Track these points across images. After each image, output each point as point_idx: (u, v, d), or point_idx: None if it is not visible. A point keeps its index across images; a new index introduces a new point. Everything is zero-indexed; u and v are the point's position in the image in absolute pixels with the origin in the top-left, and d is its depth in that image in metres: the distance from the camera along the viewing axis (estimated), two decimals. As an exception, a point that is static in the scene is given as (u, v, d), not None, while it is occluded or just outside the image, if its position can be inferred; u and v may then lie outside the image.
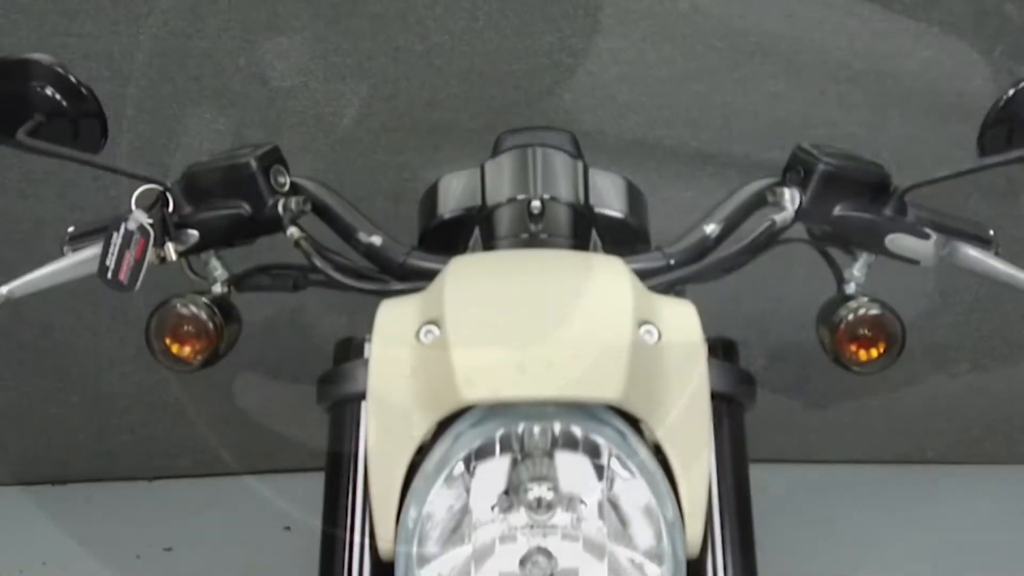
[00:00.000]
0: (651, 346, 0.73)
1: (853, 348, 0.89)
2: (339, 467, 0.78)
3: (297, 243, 0.91)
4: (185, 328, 0.90)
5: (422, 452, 0.73)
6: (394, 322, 0.76)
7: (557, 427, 0.70)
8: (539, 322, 0.72)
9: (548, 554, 0.69)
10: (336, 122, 2.18)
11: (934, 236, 0.90)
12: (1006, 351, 2.39)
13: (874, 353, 0.88)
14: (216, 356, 0.91)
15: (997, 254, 0.93)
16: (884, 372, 2.53)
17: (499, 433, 0.70)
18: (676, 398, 0.73)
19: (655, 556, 0.69)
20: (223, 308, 0.93)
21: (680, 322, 0.76)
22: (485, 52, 2.17)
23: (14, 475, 2.36)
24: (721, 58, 2.21)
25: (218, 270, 0.94)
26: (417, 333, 0.74)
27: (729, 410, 0.80)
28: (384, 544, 0.72)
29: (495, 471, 0.70)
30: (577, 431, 0.70)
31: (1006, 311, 2.37)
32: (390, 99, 2.20)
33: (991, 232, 0.92)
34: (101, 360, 2.30)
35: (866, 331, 0.88)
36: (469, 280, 0.79)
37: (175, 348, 0.90)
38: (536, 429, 0.70)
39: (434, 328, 0.73)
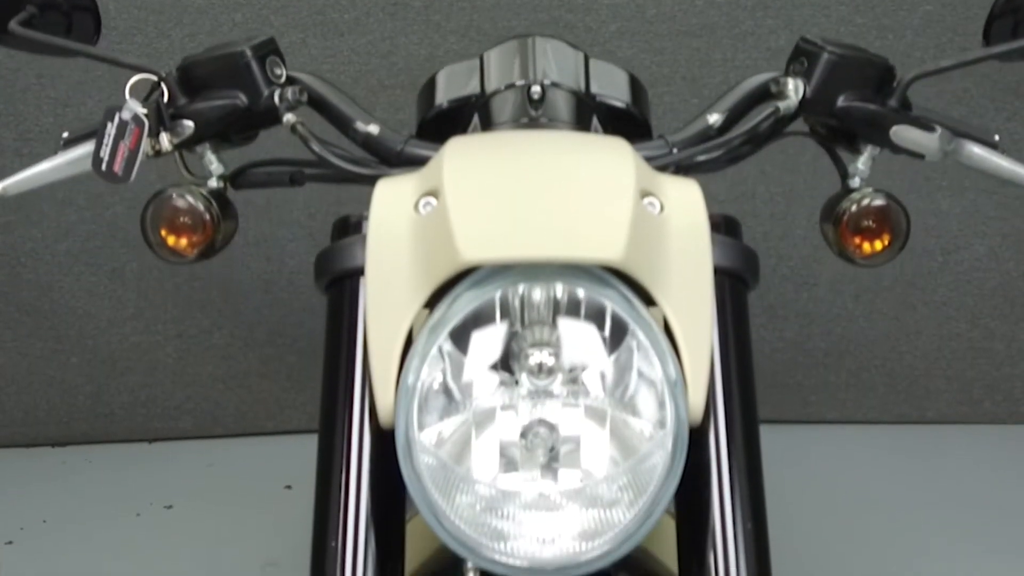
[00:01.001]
0: (654, 216, 0.72)
1: (857, 241, 0.87)
2: (338, 342, 0.78)
3: (294, 128, 0.89)
4: (181, 219, 0.88)
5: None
6: (391, 196, 0.75)
7: (559, 288, 0.69)
8: (540, 188, 0.71)
9: (549, 426, 0.69)
10: (333, 79, 2.16)
11: (939, 129, 0.89)
12: (1007, 310, 2.38)
13: (878, 245, 0.87)
14: (212, 249, 0.89)
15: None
16: (885, 332, 2.53)
17: (498, 294, 0.68)
18: (679, 269, 0.72)
19: (657, 421, 0.68)
20: (220, 202, 0.91)
21: (683, 197, 0.75)
22: (484, 8, 2.16)
23: (14, 436, 2.37)
24: (721, 13, 2.20)
25: (213, 164, 0.92)
26: (415, 205, 0.73)
27: (732, 286, 0.79)
28: (384, 413, 0.71)
29: (494, 337, 0.69)
30: (580, 292, 0.69)
31: (1007, 270, 2.36)
32: (388, 55, 2.19)
33: (996, 137, 0.91)
34: (99, 321, 2.30)
35: (870, 223, 0.86)
36: (469, 154, 0.77)
37: (171, 240, 0.88)
38: (537, 290, 0.69)
39: (432, 199, 0.72)
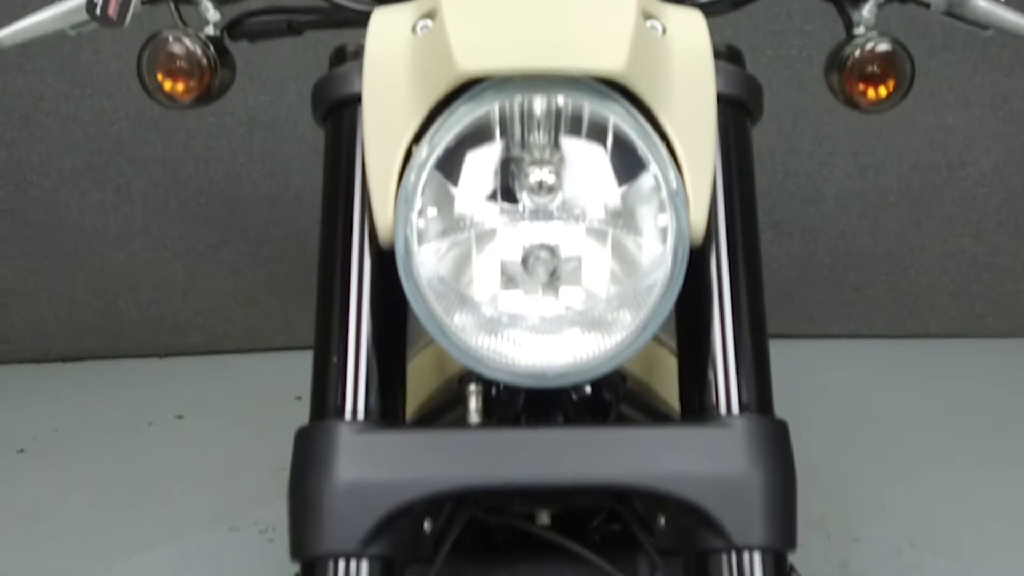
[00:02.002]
0: (656, 36, 0.71)
1: (861, 87, 0.86)
2: (336, 169, 0.77)
3: None
4: (178, 64, 0.86)
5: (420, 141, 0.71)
6: (388, 23, 0.74)
7: (560, 100, 0.68)
8: (541, 3, 0.69)
9: (550, 249, 0.69)
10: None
11: None
12: (1012, 225, 2.38)
13: (883, 91, 0.86)
14: (208, 96, 0.88)
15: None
16: (890, 247, 2.53)
17: (496, 107, 0.67)
18: (682, 92, 0.71)
19: (659, 238, 0.69)
20: (217, 49, 0.89)
21: (686, 23, 0.74)
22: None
23: (24, 352, 2.40)
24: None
25: (210, 11, 0.89)
26: (413, 28, 0.72)
27: (735, 115, 0.79)
28: (383, 231, 0.71)
29: (493, 154, 0.68)
30: (581, 106, 0.68)
31: (1013, 185, 2.36)
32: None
33: None
34: (107, 238, 2.31)
35: (875, 68, 0.85)
36: None
37: (167, 85, 0.87)
38: (538, 102, 0.68)
39: (429, 21, 0.71)
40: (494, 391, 0.84)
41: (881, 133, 2.31)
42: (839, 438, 2.08)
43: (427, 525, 0.72)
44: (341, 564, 0.67)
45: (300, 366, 2.17)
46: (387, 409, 0.73)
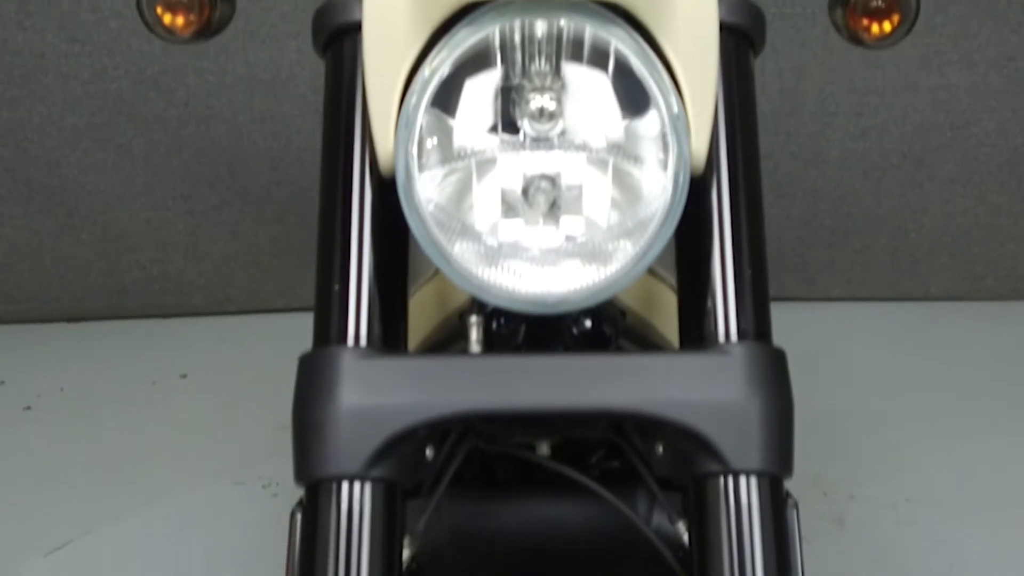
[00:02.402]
0: None
1: (865, 23, 0.86)
2: (337, 98, 0.78)
3: None
4: None
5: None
6: None
7: (562, 23, 0.68)
8: None
9: (551, 179, 0.70)
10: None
11: None
12: (1014, 186, 2.38)
13: (887, 27, 0.86)
14: (208, 30, 0.87)
15: None
16: (892, 209, 2.53)
17: (496, 29, 0.68)
18: (684, 19, 0.71)
19: (660, 168, 0.69)
20: None
21: None
22: None
23: (29, 312, 2.41)
24: None
25: None
26: None
27: (738, 44, 0.79)
28: (384, 159, 0.72)
29: (493, 80, 0.69)
30: (584, 29, 0.68)
31: (1016, 145, 2.35)
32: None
33: None
34: (109, 198, 2.31)
35: (879, 2, 0.86)
36: None
37: (167, 18, 0.86)
38: (539, 26, 0.68)
39: None
40: (495, 325, 0.86)
41: (884, 92, 2.30)
42: (837, 399, 2.10)
43: (429, 452, 0.74)
44: (345, 486, 0.69)
45: (303, 327, 2.19)
46: (389, 337, 0.74)
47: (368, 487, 0.69)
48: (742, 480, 0.70)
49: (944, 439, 1.98)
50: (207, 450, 1.93)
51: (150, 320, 2.42)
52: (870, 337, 2.36)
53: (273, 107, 2.27)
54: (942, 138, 2.34)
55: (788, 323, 2.68)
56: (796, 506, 0.74)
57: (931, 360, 2.25)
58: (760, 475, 0.70)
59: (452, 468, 0.80)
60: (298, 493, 1.75)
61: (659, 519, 0.85)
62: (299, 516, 0.73)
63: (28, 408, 2.10)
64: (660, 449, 0.75)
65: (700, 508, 0.71)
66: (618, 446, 0.87)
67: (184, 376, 2.20)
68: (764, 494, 0.70)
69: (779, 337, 2.39)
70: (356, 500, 0.69)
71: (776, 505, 0.71)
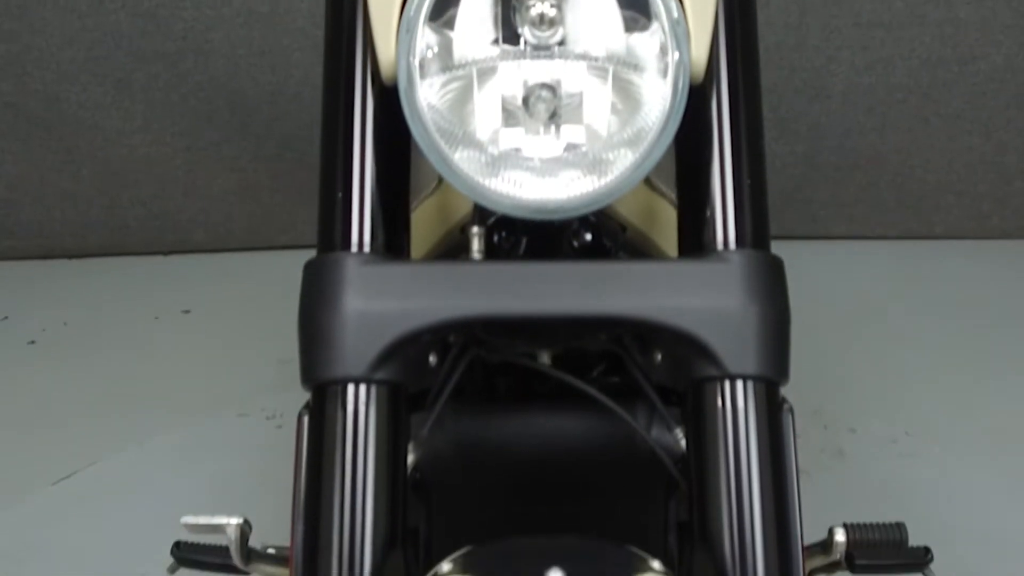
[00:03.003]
0: None
1: None
2: (339, 5, 0.77)
3: None
4: None
5: None
6: None
7: None
8: None
9: (551, 89, 0.70)
10: None
11: None
12: (1022, 123, 2.36)
13: None
14: None
15: None
16: (897, 145, 2.50)
17: None
18: None
19: (660, 75, 0.69)
20: None
21: None
22: None
23: (31, 249, 2.42)
24: None
25: None
26: None
27: None
28: (385, 65, 0.72)
29: None
30: None
31: (1023, 81, 2.34)
32: None
33: None
34: (108, 133, 2.31)
35: None
36: None
37: None
38: None
39: None
40: (496, 239, 0.86)
41: (891, 26, 2.28)
42: (839, 336, 2.11)
43: (432, 359, 0.75)
44: (350, 388, 0.70)
45: (303, 263, 2.21)
46: (392, 244, 0.75)
47: (373, 389, 0.70)
48: (739, 384, 0.70)
49: (945, 375, 2.00)
50: (210, 383, 1.95)
51: (152, 257, 2.43)
52: (873, 276, 2.37)
53: (272, 41, 2.26)
54: (949, 73, 2.32)
55: (791, 261, 2.69)
56: (791, 411, 0.75)
57: (934, 299, 2.25)
58: (756, 379, 0.70)
59: (454, 378, 0.81)
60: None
61: (658, 432, 0.86)
62: (306, 419, 0.74)
63: (32, 343, 2.12)
64: (659, 357, 0.76)
65: (697, 412, 0.72)
66: (618, 361, 0.88)
67: (187, 312, 2.21)
68: (760, 398, 0.70)
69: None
70: (362, 402, 0.70)
71: (772, 409, 0.71)
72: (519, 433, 0.89)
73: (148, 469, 1.73)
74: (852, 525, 0.84)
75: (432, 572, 0.66)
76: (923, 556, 0.93)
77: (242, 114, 2.33)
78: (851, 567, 0.89)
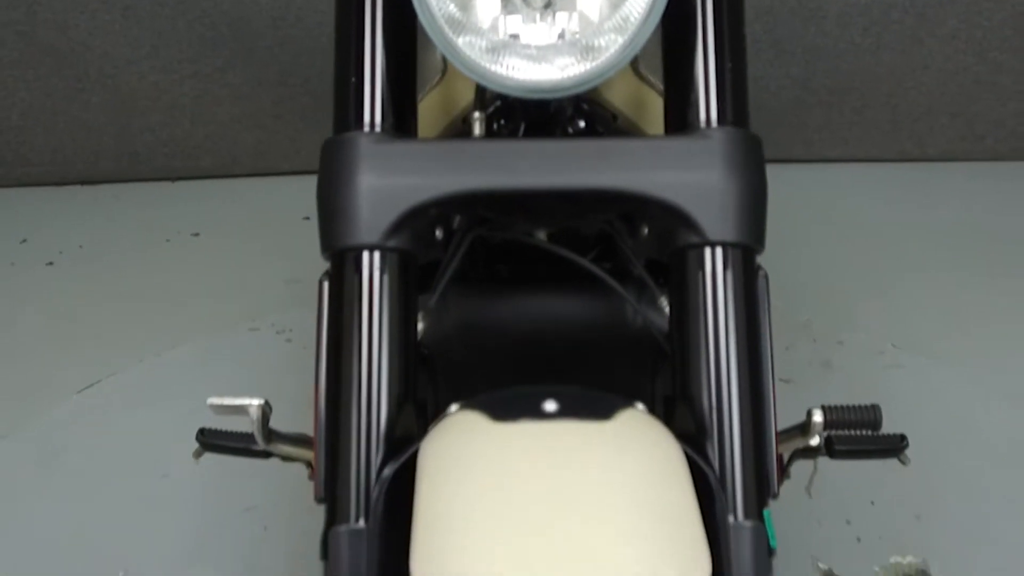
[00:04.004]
0: None
1: None
2: None
3: None
4: None
5: None
6: None
7: None
8: None
9: None
10: None
11: None
12: (1016, 43, 2.37)
13: None
14: None
15: None
16: (891, 66, 2.53)
17: None
18: None
19: None
20: None
21: None
22: None
23: (44, 175, 2.49)
24: None
25: None
26: None
27: None
28: None
29: None
30: None
31: (1019, 0, 2.35)
32: None
33: None
34: (117, 60, 2.36)
35: None
36: None
37: None
38: None
39: None
40: (495, 126, 0.93)
41: (887, -56, 2.30)
42: (833, 255, 2.17)
43: (438, 233, 0.83)
44: (365, 254, 0.78)
45: (308, 189, 2.27)
46: (400, 125, 0.81)
47: (386, 255, 0.77)
48: (718, 250, 0.77)
49: (934, 291, 2.06)
50: (222, 301, 2.04)
51: (161, 183, 2.49)
52: (867, 198, 2.41)
53: (274, -33, 2.29)
54: (942, -7, 2.34)
55: (785, 185, 2.75)
56: (767, 278, 0.81)
57: (927, 220, 2.30)
58: (734, 246, 0.77)
59: (458, 255, 0.88)
60: (308, 337, 1.87)
61: (645, 309, 0.94)
62: (326, 284, 0.82)
63: (50, 264, 2.21)
64: (646, 231, 0.84)
65: (680, 278, 0.78)
66: (609, 245, 0.95)
67: (196, 235, 2.29)
68: (737, 263, 0.77)
69: (777, 200, 2.46)
70: (376, 267, 0.77)
71: (748, 274, 0.78)
72: (518, 313, 0.98)
73: (165, 378, 1.83)
74: (829, 407, 0.91)
75: (442, 415, 0.74)
76: (899, 442, 1.00)
77: (245, 40, 2.37)
78: (831, 453, 0.97)
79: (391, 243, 0.77)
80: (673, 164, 0.77)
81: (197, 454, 1.11)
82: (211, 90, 2.42)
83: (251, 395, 0.96)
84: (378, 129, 0.79)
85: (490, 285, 1.03)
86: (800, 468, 1.62)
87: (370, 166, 0.77)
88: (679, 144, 0.78)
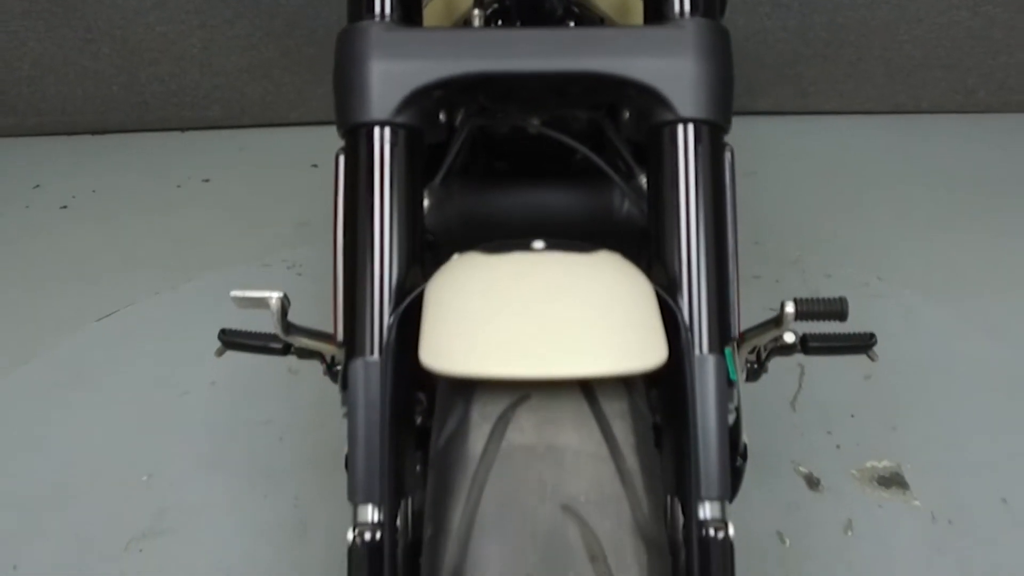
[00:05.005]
0: None
1: None
2: None
3: None
4: None
5: None
6: None
7: None
8: None
9: None
10: None
11: None
12: (1009, -4, 2.49)
13: None
14: None
15: None
16: (887, 19, 2.65)
17: None
18: None
19: None
20: None
21: None
22: None
23: (55, 125, 2.62)
24: None
25: None
26: None
27: None
28: None
29: None
30: None
31: (1010, -46, 2.48)
32: None
33: None
34: (125, 11, 2.48)
35: None
36: None
37: None
38: None
39: None
40: (493, 28, 1.07)
41: None
42: (823, 200, 2.29)
43: (442, 116, 0.96)
44: (376, 129, 0.90)
45: (316, 139, 2.41)
46: (407, 16, 0.94)
47: (396, 130, 0.90)
48: (690, 127, 0.89)
49: (919, 231, 2.18)
50: (234, 240, 2.17)
51: (170, 133, 2.63)
52: (861, 149, 2.52)
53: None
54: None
55: (782, 136, 2.90)
56: (732, 153, 0.94)
57: (918, 170, 2.41)
58: (704, 122, 0.89)
59: (460, 139, 1.02)
60: (319, 271, 2.01)
61: (628, 207, 1.09)
62: (341, 159, 0.95)
63: (64, 207, 2.35)
64: (627, 115, 0.97)
65: (656, 153, 0.91)
66: (597, 143, 1.09)
67: (207, 181, 2.43)
68: (706, 138, 0.90)
69: (773, 152, 2.61)
70: (387, 140, 0.90)
71: (715, 148, 0.91)
72: (515, 204, 1.12)
73: (181, 309, 1.97)
74: (800, 299, 1.03)
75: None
76: (868, 339, 1.11)
77: (253, -9, 2.50)
78: (805, 349, 1.10)
79: (399, 119, 0.89)
80: (649, 49, 0.89)
81: (219, 352, 1.23)
82: (218, 41, 2.55)
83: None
84: (387, 18, 0.92)
85: (489, 178, 1.16)
86: (785, 385, 1.77)
87: (380, 50, 0.89)
88: (655, 32, 0.91)
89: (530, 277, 0.75)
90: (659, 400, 0.85)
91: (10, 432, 1.71)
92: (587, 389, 0.72)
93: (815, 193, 2.35)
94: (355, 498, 0.80)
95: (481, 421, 0.70)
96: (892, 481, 1.55)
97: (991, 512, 1.50)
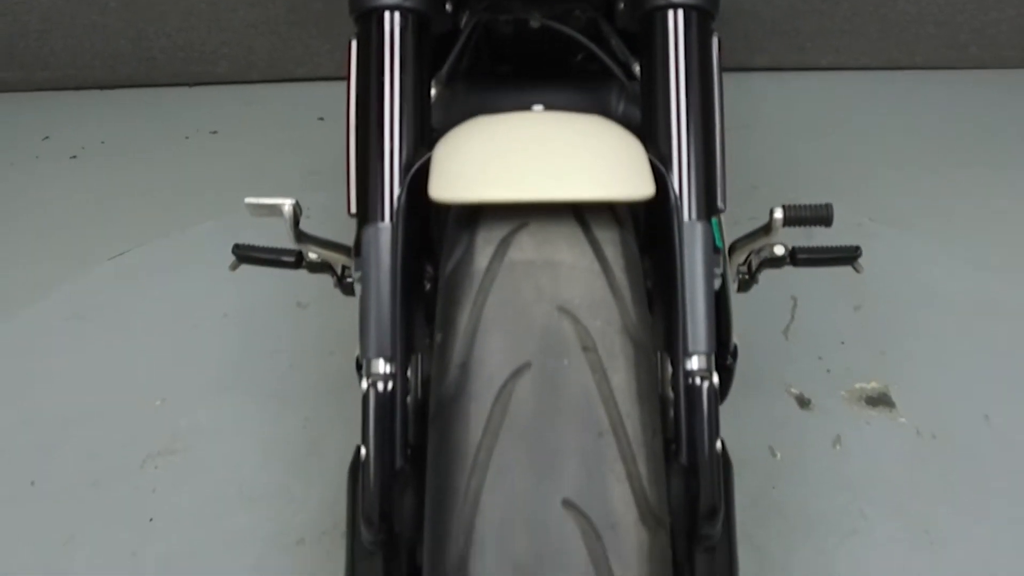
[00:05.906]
0: None
1: None
2: None
3: None
4: None
5: None
6: None
7: None
8: None
9: None
10: None
11: None
12: (1001, -48, 2.56)
13: None
14: None
15: None
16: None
17: None
18: None
19: None
20: None
21: None
22: None
23: (64, 80, 2.67)
24: None
25: None
26: None
27: None
28: None
29: None
30: None
31: (1005, -92, 2.52)
32: None
33: None
34: (134, -34, 2.55)
35: None
36: None
37: None
38: None
39: None
40: None
41: None
42: (819, 150, 2.34)
43: (448, 7, 1.02)
44: (387, 12, 0.96)
45: (323, 94, 2.46)
46: None
47: (405, 14, 0.95)
48: (679, 12, 0.95)
49: (910, 177, 2.24)
50: (243, 187, 2.22)
51: (178, 88, 2.68)
52: (855, 103, 2.57)
53: None
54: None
55: (778, 92, 2.94)
56: (720, 39, 0.99)
57: (912, 124, 2.46)
58: (693, 7, 0.95)
59: (466, 33, 1.08)
60: (327, 217, 2.04)
61: (625, 106, 1.14)
62: (354, 44, 1.00)
63: (74, 157, 2.40)
64: (621, 6, 1.03)
65: (648, 38, 0.96)
66: (597, 41, 1.14)
67: (215, 132, 2.48)
68: (695, 22, 0.95)
69: (769, 107, 2.65)
70: (397, 24, 0.95)
71: (703, 33, 0.96)
72: (516, 103, 1.17)
73: (191, 248, 2.02)
74: (788, 205, 1.09)
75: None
76: (854, 251, 1.17)
77: (259, -53, 2.55)
78: (794, 261, 1.16)
79: (408, 3, 0.95)
80: None
81: (233, 266, 1.28)
82: (225, -3, 2.60)
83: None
84: None
85: (492, 79, 1.22)
86: (778, 316, 1.82)
87: None
88: None
89: (530, 128, 0.81)
90: (651, 267, 0.91)
91: (30, 361, 1.77)
92: (581, 218, 0.79)
93: (810, 143, 2.40)
94: (368, 353, 0.86)
95: (485, 245, 0.76)
96: (879, 400, 1.61)
97: (973, 428, 1.56)
